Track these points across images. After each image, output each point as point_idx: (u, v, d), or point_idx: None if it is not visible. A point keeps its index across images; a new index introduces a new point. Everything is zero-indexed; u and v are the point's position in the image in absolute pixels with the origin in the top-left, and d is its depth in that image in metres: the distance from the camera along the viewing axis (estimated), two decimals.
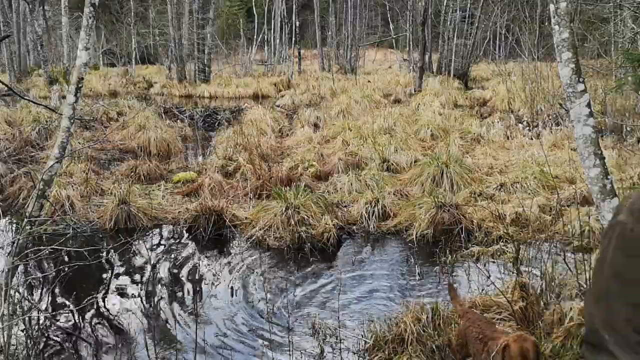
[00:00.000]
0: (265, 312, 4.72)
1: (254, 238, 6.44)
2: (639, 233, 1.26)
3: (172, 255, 6.15)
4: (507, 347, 2.86)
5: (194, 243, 6.53)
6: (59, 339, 4.34)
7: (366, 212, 6.91)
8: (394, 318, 4.23)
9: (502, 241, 6.01)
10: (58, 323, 4.55)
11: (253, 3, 35.20)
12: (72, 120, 5.09)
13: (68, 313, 4.79)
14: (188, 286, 5.37)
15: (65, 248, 4.49)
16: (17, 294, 4.01)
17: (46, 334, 4.40)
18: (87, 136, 11.94)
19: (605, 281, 1.31)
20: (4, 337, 3.45)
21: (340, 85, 21.61)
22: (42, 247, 4.16)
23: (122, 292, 5.23)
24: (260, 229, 6.48)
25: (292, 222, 6.35)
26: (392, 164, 9.20)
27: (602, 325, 1.31)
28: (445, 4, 25.51)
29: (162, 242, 6.59)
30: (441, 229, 6.36)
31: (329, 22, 32.85)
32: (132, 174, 8.91)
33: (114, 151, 11.07)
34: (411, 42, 26.58)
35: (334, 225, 6.33)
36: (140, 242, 6.49)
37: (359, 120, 12.81)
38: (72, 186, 7.70)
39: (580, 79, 3.91)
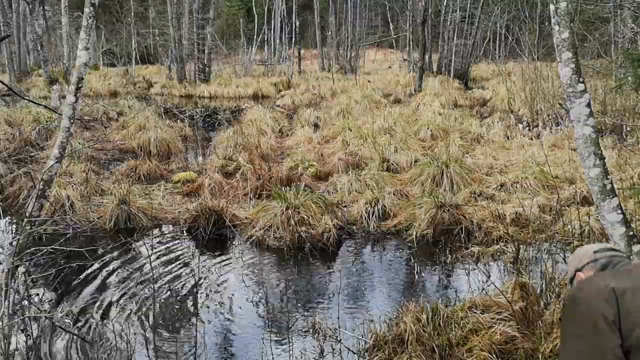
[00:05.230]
0: (265, 312, 4.72)
1: (254, 238, 6.44)
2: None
3: (172, 255, 6.15)
4: None
5: (194, 243, 6.53)
6: (59, 339, 4.33)
7: (366, 212, 6.91)
8: (394, 318, 4.23)
9: (502, 241, 6.01)
10: (58, 323, 4.55)
11: (253, 3, 35.21)
12: (72, 120, 5.10)
13: (68, 313, 4.79)
14: (188, 286, 5.37)
15: (65, 248, 4.49)
16: (17, 294, 4.01)
17: (46, 334, 4.39)
18: (87, 136, 11.94)
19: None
20: (4, 337, 3.44)
21: (340, 85, 21.61)
22: (42, 247, 4.16)
23: (121, 292, 5.23)
24: (260, 229, 6.48)
25: (292, 222, 6.34)
26: (392, 164, 9.19)
27: None
28: (445, 4, 25.49)
29: (162, 242, 6.58)
30: (441, 229, 6.36)
31: (329, 22, 32.81)
32: (132, 174, 8.91)
33: (114, 151, 11.08)
34: (411, 42, 26.59)
35: (334, 225, 6.32)
36: (140, 242, 6.49)
37: (359, 120, 12.81)
38: (72, 186, 7.69)
39: (580, 79, 3.91)
